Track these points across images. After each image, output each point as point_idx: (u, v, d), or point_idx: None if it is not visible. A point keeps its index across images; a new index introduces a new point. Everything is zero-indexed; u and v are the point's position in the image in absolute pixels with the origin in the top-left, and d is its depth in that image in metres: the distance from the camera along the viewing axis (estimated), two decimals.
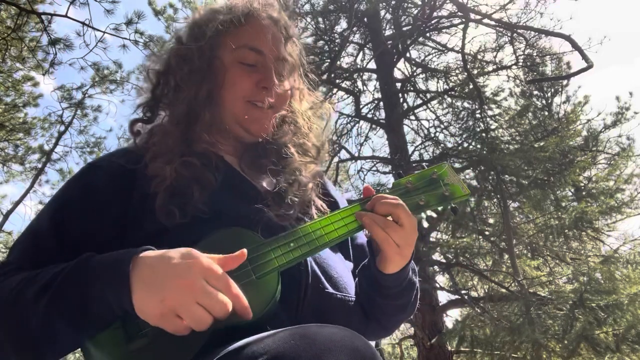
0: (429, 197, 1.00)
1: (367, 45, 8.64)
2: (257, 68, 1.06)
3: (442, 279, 9.00)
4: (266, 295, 0.80)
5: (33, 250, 0.90)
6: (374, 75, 8.77)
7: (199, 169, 0.96)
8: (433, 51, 8.87)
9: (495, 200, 7.19)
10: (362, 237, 1.17)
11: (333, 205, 1.11)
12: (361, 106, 8.58)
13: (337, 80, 8.38)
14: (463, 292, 7.40)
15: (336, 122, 8.78)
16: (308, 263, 0.91)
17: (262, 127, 1.07)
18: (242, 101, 1.05)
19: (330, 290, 0.92)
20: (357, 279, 1.07)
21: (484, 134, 7.41)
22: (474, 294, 7.92)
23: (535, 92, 10.56)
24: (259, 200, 0.97)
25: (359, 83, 8.89)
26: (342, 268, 1.00)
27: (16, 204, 12.61)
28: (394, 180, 1.04)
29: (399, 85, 8.58)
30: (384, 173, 8.66)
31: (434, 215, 1.03)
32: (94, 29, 7.19)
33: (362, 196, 1.00)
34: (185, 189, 0.92)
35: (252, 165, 1.08)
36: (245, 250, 0.78)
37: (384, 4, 8.18)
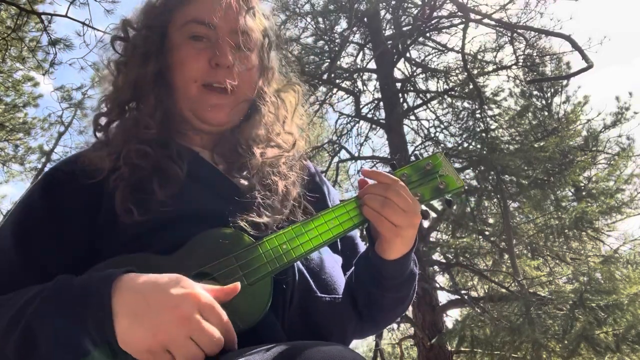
0: (424, 190, 0.97)
1: (367, 45, 8.64)
2: (208, 44, 0.94)
3: (442, 279, 9.01)
4: (259, 303, 0.76)
5: None
6: (374, 75, 8.77)
7: (153, 157, 0.88)
8: (433, 51, 8.88)
9: (495, 200, 7.19)
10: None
11: (320, 201, 1.03)
12: (361, 106, 8.59)
13: (337, 80, 8.38)
14: (463, 292, 7.40)
15: (336, 122, 8.80)
16: (295, 264, 0.85)
17: (221, 114, 0.96)
18: (195, 85, 0.94)
19: (319, 293, 0.86)
20: (352, 270, 1.01)
21: (484, 134, 7.41)
22: (474, 294, 7.91)
23: (535, 92, 10.56)
24: (237, 199, 0.88)
25: (359, 83, 8.90)
26: (331, 264, 0.93)
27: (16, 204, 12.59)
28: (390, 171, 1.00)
29: (399, 85, 8.58)
30: None
31: (429, 211, 1.00)
32: (94, 29, 7.18)
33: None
34: (144, 182, 0.84)
35: (226, 160, 0.99)
36: (238, 284, 0.72)
37: (384, 4, 8.18)
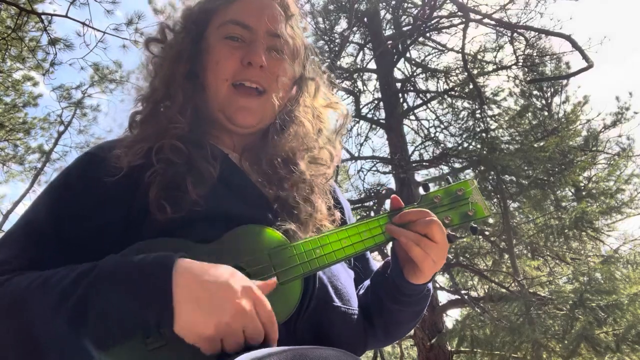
0: (453, 215, 0.99)
1: (367, 45, 8.64)
2: (243, 44, 0.95)
3: (442, 279, 9.01)
4: (289, 303, 0.78)
5: (31, 247, 0.79)
6: (374, 75, 8.77)
7: (186, 154, 0.88)
8: (433, 51, 8.88)
9: (495, 200, 7.19)
10: None
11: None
12: (361, 106, 8.58)
13: (337, 80, 8.35)
14: (463, 292, 7.39)
15: (336, 122, 8.77)
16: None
17: (249, 117, 0.96)
18: (226, 85, 0.94)
19: (337, 303, 0.87)
20: (367, 285, 1.04)
21: (484, 134, 7.41)
22: (474, 294, 7.91)
23: (535, 92, 10.56)
24: (266, 208, 0.90)
25: (359, 83, 8.89)
26: (345, 277, 0.95)
27: (16, 204, 12.62)
28: (422, 192, 1.01)
29: (399, 85, 8.58)
30: (384, 173, 8.65)
31: (455, 235, 1.01)
32: (94, 29, 7.18)
33: (389, 206, 0.96)
34: (178, 180, 0.85)
35: (256, 168, 1.00)
36: (275, 280, 0.74)
37: (384, 4, 8.18)
